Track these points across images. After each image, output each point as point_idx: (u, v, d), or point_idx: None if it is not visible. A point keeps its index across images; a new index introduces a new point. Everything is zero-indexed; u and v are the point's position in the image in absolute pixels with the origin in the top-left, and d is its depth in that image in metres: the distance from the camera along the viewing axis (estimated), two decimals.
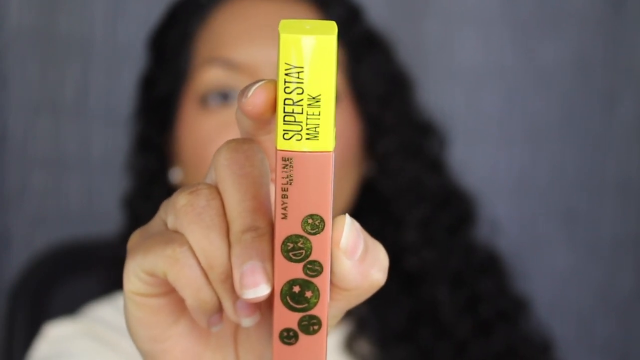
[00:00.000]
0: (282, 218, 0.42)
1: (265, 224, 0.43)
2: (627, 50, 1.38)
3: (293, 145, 0.41)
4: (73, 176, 1.34)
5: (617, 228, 1.40)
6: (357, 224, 0.43)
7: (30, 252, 1.23)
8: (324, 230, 0.42)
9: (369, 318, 0.97)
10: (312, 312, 0.44)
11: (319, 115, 0.41)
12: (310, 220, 0.42)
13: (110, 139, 1.33)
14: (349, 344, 0.97)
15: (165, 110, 0.97)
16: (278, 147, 0.42)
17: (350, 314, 0.98)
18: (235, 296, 0.44)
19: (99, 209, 1.33)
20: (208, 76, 0.91)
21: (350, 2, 0.99)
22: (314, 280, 0.43)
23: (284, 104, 0.41)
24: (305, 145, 0.41)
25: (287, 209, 0.42)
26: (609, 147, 1.40)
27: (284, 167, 0.42)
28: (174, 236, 0.44)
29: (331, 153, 0.42)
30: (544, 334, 1.03)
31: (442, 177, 1.01)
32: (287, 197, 0.42)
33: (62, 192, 1.35)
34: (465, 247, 1.01)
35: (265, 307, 0.46)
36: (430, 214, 0.98)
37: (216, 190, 0.44)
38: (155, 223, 0.46)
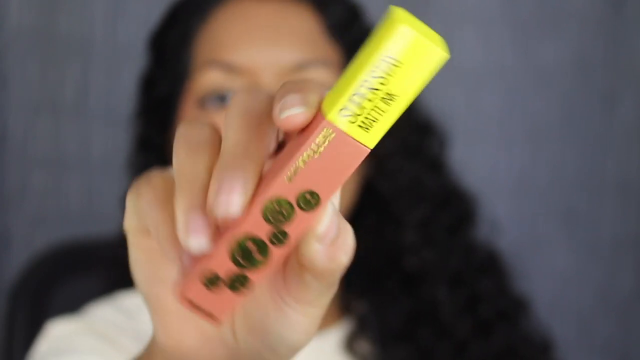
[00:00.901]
0: (287, 179, 0.41)
1: (258, 154, 0.42)
2: (627, 50, 1.38)
3: (343, 124, 0.40)
4: (73, 176, 1.35)
5: (617, 228, 1.40)
6: (336, 210, 0.43)
7: (30, 252, 1.23)
8: (312, 213, 0.42)
9: (369, 318, 0.97)
10: (250, 274, 0.43)
11: (384, 113, 0.40)
12: (308, 196, 0.41)
13: (110, 139, 1.33)
14: (349, 344, 0.97)
15: (165, 111, 0.97)
16: (328, 118, 0.40)
17: (351, 314, 0.99)
18: (191, 214, 0.42)
19: (99, 209, 1.33)
20: (207, 78, 0.91)
21: (349, 2, 0.99)
22: (273, 248, 0.42)
23: (362, 84, 0.40)
24: (354, 131, 0.40)
25: (296, 174, 0.41)
26: (609, 147, 1.40)
27: (322, 137, 0.40)
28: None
29: (368, 151, 0.41)
30: (544, 333, 1.03)
31: (442, 177, 1.01)
32: (304, 165, 0.41)
33: (62, 192, 1.35)
34: (465, 247, 1.01)
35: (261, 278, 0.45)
36: (430, 214, 0.98)
37: (215, 127, 0.44)
38: None
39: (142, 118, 1.01)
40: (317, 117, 0.41)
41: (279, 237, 0.42)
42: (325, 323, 0.97)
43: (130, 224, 0.46)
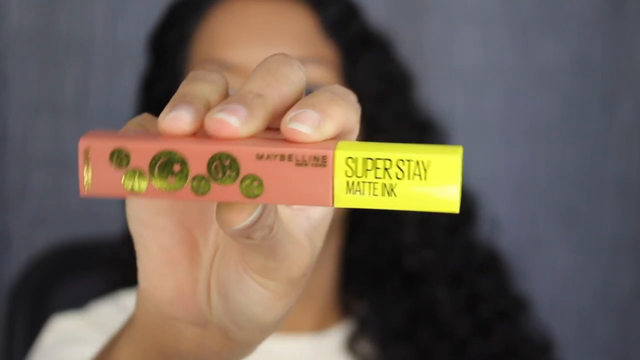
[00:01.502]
0: (256, 156, 0.40)
1: (273, 97, 0.41)
2: (627, 50, 1.38)
3: (340, 168, 0.40)
4: (73, 176, 1.34)
5: (617, 228, 1.40)
6: (262, 211, 0.41)
7: (30, 252, 1.23)
8: (244, 199, 0.40)
9: (369, 318, 0.97)
10: (151, 185, 0.41)
11: (374, 196, 0.40)
12: (255, 185, 0.40)
13: None
14: (350, 344, 0.97)
15: None
16: (335, 152, 0.40)
17: (351, 314, 0.99)
18: (179, 103, 0.42)
19: (99, 209, 1.33)
20: None
21: (346, 0, 0.99)
22: (187, 186, 0.40)
23: (385, 157, 0.40)
24: (339, 182, 0.40)
25: (267, 161, 0.40)
26: (609, 147, 1.40)
27: (315, 157, 0.40)
28: None
29: (330, 205, 0.40)
30: (543, 333, 1.03)
31: None
32: (279, 160, 0.40)
33: (62, 192, 1.35)
34: (464, 247, 1.01)
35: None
36: (429, 213, 0.98)
37: (224, 75, 0.44)
38: None
39: None
40: (332, 141, 0.41)
41: (201, 185, 0.41)
42: (326, 323, 0.97)
43: None
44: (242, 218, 0.41)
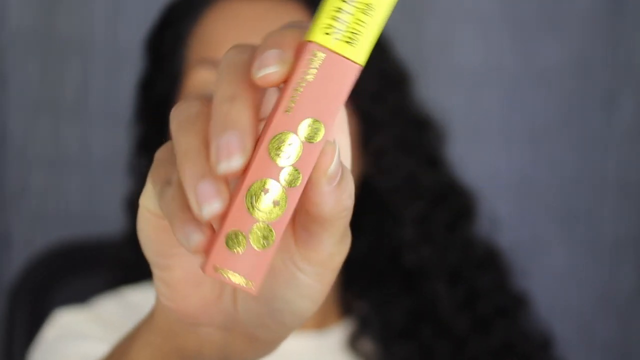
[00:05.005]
0: (285, 111, 0.40)
1: (245, 93, 0.41)
2: (627, 50, 1.38)
3: (329, 42, 0.40)
4: (73, 176, 1.34)
5: (617, 228, 1.40)
6: (339, 149, 0.42)
7: (30, 252, 1.23)
8: (318, 143, 0.41)
9: (371, 316, 0.97)
10: (271, 223, 0.41)
11: (366, 24, 0.40)
12: (310, 125, 0.41)
13: (110, 139, 1.33)
14: (352, 343, 0.97)
15: (163, 111, 0.97)
16: (313, 39, 0.40)
17: (352, 314, 0.99)
18: (198, 184, 0.42)
19: (99, 209, 1.33)
20: (197, 77, 0.91)
21: None
22: (286, 188, 0.41)
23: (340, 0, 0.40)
24: (341, 48, 0.40)
25: (294, 102, 0.40)
26: (609, 147, 1.40)
27: (310, 61, 0.40)
28: (169, 167, 0.45)
29: (360, 67, 0.41)
30: (543, 330, 1.03)
31: (438, 173, 1.01)
32: (299, 91, 0.40)
33: (62, 192, 1.35)
34: (463, 243, 1.01)
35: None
36: (427, 210, 0.98)
37: (204, 99, 0.44)
38: None
39: (141, 119, 1.01)
40: (303, 45, 0.41)
41: (289, 175, 0.41)
42: (327, 321, 0.98)
43: (146, 205, 0.46)
44: (332, 161, 0.42)
